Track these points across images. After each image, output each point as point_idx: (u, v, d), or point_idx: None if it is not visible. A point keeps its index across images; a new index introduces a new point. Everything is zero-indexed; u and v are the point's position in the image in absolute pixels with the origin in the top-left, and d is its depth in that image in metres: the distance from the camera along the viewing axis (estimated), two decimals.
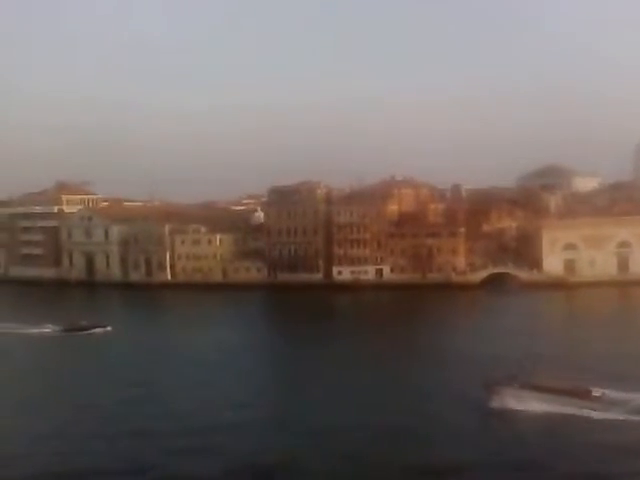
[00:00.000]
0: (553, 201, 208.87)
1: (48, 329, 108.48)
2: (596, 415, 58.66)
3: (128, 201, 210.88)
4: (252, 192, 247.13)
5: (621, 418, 57.95)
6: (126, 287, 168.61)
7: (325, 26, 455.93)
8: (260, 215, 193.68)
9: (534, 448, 54.13)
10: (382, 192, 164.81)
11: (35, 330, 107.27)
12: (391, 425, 59.87)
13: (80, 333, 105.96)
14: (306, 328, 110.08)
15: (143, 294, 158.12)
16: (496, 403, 62.60)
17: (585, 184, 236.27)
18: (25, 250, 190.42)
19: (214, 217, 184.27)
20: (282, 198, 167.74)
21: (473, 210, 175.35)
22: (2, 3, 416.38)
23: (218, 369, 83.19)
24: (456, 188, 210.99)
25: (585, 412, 59.08)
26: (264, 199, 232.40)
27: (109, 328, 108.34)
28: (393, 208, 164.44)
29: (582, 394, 61.10)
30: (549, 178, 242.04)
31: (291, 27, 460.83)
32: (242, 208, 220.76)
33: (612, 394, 61.20)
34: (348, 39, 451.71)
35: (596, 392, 61.49)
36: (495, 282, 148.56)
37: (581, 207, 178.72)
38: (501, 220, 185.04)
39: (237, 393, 71.80)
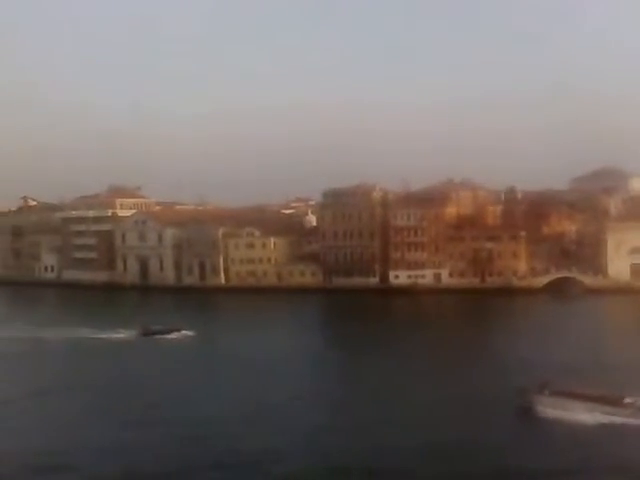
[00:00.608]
0: (612, 204, 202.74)
1: (123, 334, 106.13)
2: (628, 422, 57.11)
3: (179, 205, 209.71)
4: (300, 195, 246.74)
5: None
6: (181, 291, 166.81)
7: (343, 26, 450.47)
8: (311, 218, 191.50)
9: (561, 455, 52.54)
10: (440, 194, 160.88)
11: (111, 335, 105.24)
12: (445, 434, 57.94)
13: (157, 337, 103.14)
14: (368, 333, 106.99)
15: (200, 298, 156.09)
16: (529, 410, 61.68)
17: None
18: (78, 254, 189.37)
19: (267, 220, 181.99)
20: (337, 200, 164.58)
21: (532, 213, 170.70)
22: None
23: (287, 373, 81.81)
24: (511, 190, 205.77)
25: (617, 419, 57.53)
26: (312, 202, 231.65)
27: (185, 332, 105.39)
28: (451, 211, 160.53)
29: (614, 401, 59.55)
30: (605, 180, 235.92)
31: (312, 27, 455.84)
32: (291, 211, 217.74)
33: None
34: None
35: (628, 399, 59.70)
36: (558, 287, 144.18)
37: None
38: (561, 223, 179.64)
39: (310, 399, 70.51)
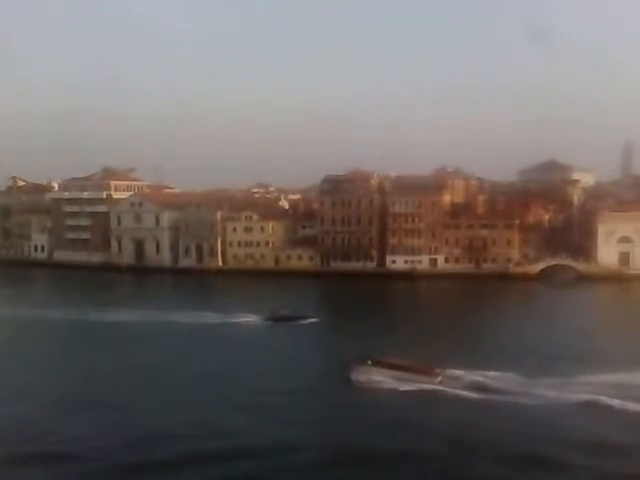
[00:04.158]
0: (575, 195, 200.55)
1: (251, 319, 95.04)
2: (435, 389, 60.77)
3: (167, 188, 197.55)
4: (261, 181, 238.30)
5: (459, 393, 59.60)
6: (180, 272, 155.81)
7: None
8: (284, 204, 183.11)
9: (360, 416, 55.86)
10: (436, 182, 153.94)
11: (241, 320, 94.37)
12: None
13: (290, 323, 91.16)
14: (371, 316, 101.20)
15: (212, 280, 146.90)
16: (352, 378, 64.26)
17: (585, 180, 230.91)
18: (71, 234, 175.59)
19: (260, 206, 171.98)
20: (336, 187, 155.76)
21: (514, 202, 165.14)
22: None
23: None
24: (479, 180, 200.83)
25: (426, 387, 60.88)
26: (272, 188, 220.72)
27: (313, 320, 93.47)
28: (446, 199, 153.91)
29: (425, 370, 63.05)
30: (550, 173, 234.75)
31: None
32: (257, 196, 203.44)
33: (453, 372, 63.74)
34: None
35: (438, 369, 63.51)
36: (550, 274, 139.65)
37: (603, 201, 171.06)
38: (538, 213, 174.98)
39: None
